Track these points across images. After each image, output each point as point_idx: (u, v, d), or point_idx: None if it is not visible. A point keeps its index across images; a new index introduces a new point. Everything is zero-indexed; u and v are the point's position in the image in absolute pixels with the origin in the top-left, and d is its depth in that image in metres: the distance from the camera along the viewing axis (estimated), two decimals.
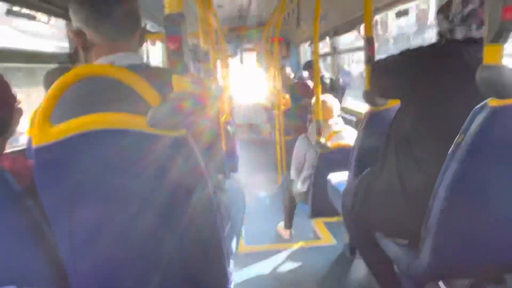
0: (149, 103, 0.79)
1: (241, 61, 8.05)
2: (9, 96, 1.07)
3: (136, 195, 0.87)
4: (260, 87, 7.89)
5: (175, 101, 0.78)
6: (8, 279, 0.86)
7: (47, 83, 1.66)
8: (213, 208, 0.90)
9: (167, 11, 0.77)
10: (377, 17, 3.29)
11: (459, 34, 1.20)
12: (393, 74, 1.30)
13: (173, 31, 0.76)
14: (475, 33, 1.17)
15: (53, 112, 0.81)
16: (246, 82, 8.34)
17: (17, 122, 1.12)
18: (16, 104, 1.10)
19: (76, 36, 0.97)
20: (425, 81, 1.19)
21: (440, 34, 1.28)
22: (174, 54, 0.77)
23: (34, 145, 0.81)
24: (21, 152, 1.55)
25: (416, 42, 3.60)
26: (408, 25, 3.66)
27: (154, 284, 0.98)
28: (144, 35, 1.04)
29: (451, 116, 1.14)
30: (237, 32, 7.05)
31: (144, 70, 0.93)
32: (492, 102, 0.90)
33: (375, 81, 1.46)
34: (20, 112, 1.11)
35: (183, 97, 0.78)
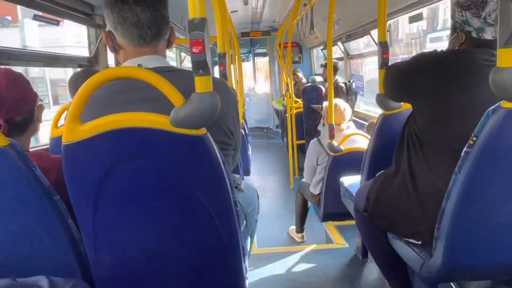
0: (173, 103, 0.83)
1: (254, 68, 8.11)
2: (30, 93, 1.09)
3: (157, 191, 0.91)
4: (272, 91, 7.94)
5: (196, 101, 0.82)
6: (37, 270, 0.91)
7: (72, 85, 1.73)
8: (231, 205, 0.94)
9: (190, 16, 0.81)
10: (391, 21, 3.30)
11: (488, 35, 1.16)
12: (410, 76, 1.31)
13: (196, 36, 0.80)
14: None
15: (83, 111, 0.86)
16: (258, 86, 8.41)
17: (40, 119, 1.13)
18: (37, 100, 1.11)
19: (107, 38, 1.03)
20: (440, 84, 1.20)
21: (463, 32, 1.23)
22: (197, 57, 0.81)
23: (63, 142, 0.86)
24: (44, 150, 1.61)
25: None
26: None
27: (172, 278, 1.01)
28: (172, 38, 1.09)
29: (464, 119, 1.16)
30: (250, 37, 7.12)
31: (169, 72, 0.97)
32: (505, 104, 0.92)
33: (391, 83, 1.47)
34: (41, 108, 1.13)
35: (204, 98, 0.82)
